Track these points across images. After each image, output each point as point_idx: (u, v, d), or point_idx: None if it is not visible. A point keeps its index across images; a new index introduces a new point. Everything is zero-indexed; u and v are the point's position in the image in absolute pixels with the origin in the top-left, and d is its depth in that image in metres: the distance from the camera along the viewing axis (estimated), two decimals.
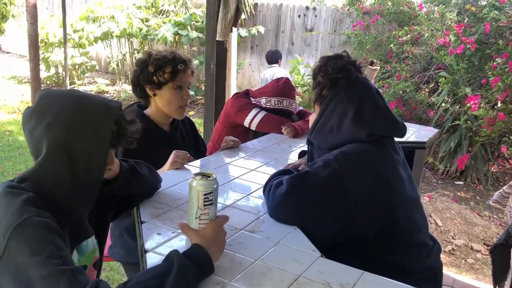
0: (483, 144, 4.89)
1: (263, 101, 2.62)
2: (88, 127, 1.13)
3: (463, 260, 3.43)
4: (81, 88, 8.60)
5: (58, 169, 1.11)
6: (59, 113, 1.12)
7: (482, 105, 4.60)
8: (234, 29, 3.51)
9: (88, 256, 1.26)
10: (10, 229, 1.00)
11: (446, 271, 3.20)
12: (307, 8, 8.37)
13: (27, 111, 1.17)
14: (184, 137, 2.20)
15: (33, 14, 5.28)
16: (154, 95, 2.02)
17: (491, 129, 4.40)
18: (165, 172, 1.83)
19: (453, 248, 3.55)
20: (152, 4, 9.09)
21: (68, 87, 5.98)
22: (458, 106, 5.12)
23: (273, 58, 6.24)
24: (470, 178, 5.21)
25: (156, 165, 1.75)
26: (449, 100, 5.28)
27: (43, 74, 8.18)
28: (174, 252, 1.06)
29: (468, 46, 4.82)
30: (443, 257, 3.40)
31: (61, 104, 1.13)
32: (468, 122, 4.69)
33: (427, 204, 4.05)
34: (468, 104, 4.50)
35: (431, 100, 5.48)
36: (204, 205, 1.15)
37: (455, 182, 5.20)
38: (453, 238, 3.66)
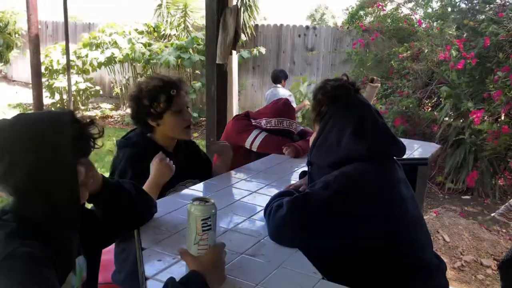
0: (489, 157, 4.86)
1: (263, 122, 2.63)
2: (44, 154, 1.10)
3: (473, 276, 3.37)
4: (86, 114, 8.66)
5: (33, 201, 1.10)
6: (13, 153, 1.08)
7: (485, 118, 4.59)
8: (234, 51, 3.54)
9: (77, 276, 1.25)
10: None
11: None
12: (307, 27, 8.46)
13: None
14: (188, 159, 2.21)
15: (35, 44, 5.38)
16: (158, 125, 2.02)
17: (496, 143, 4.38)
18: (165, 198, 1.82)
19: (462, 264, 3.50)
20: (154, 29, 9.23)
21: None
22: (461, 121, 5.11)
23: (278, 78, 6.24)
24: (477, 192, 5.16)
25: (164, 186, 1.83)
26: (452, 114, 5.27)
27: (48, 101, 8.25)
28: (169, 280, 1.05)
29: (468, 61, 4.83)
30: (452, 273, 3.35)
31: (11, 141, 1.10)
32: (473, 136, 4.67)
33: (433, 220, 4.00)
34: (470, 118, 4.50)
35: (435, 114, 5.48)
36: (203, 231, 1.15)
37: (462, 197, 5.15)
38: (461, 254, 3.61)
